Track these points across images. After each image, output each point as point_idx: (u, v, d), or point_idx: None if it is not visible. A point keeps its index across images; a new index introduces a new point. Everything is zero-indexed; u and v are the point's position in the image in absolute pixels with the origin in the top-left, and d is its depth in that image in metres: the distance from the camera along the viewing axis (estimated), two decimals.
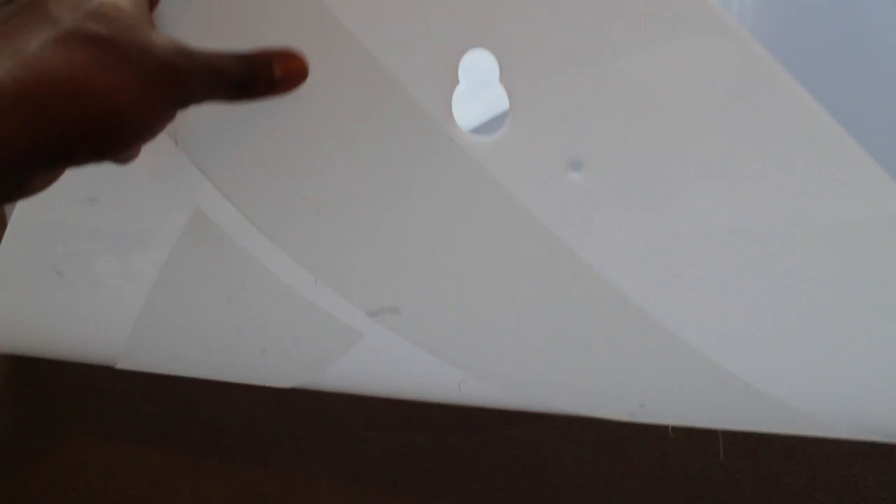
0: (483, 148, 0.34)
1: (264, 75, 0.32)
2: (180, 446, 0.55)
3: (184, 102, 0.29)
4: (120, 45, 0.27)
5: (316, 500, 0.53)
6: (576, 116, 0.33)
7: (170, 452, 0.55)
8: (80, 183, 0.37)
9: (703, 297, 0.35)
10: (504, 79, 0.34)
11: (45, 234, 0.42)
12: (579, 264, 0.35)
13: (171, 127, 0.31)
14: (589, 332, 0.36)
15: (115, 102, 0.26)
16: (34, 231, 0.42)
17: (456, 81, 0.34)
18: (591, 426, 0.53)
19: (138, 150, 0.34)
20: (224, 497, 0.54)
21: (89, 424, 0.57)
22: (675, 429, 0.51)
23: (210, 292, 0.40)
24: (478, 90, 0.35)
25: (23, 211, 0.41)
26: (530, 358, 0.37)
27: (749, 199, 0.32)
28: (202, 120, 0.35)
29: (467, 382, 0.39)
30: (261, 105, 0.33)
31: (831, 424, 0.37)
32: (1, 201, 0.28)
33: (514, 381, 0.39)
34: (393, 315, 0.37)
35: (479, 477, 0.52)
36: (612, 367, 0.37)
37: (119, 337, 0.45)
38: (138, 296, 0.42)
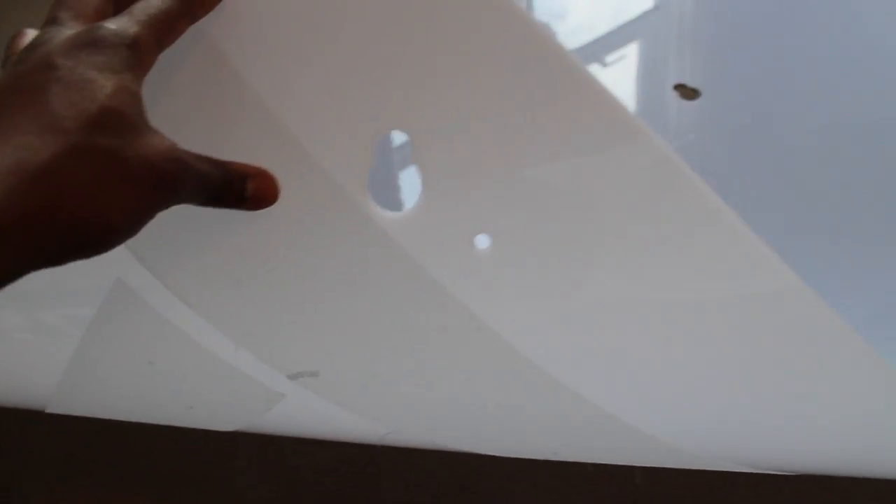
0: (395, 222, 0.36)
1: (237, 189, 0.31)
2: (113, 480, 0.56)
3: (168, 206, 0.29)
4: (123, 160, 0.26)
5: None
6: (484, 191, 0.35)
7: (104, 486, 0.56)
8: None
9: (600, 359, 0.37)
10: (416, 156, 0.35)
11: None
12: (487, 332, 0.36)
13: None
14: (498, 393, 0.38)
15: (113, 218, 0.26)
16: None
17: (371, 159, 0.35)
18: None
19: None
20: None
21: (22, 464, 0.57)
22: None
23: (132, 355, 0.40)
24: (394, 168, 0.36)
25: None
26: (445, 417, 0.39)
27: (643, 275, 0.34)
28: None
29: (389, 434, 0.40)
30: None
31: (715, 461, 0.40)
32: None
33: (433, 435, 0.41)
34: (313, 378, 0.39)
35: (410, 485, 0.54)
36: (523, 423, 0.39)
37: (49, 384, 0.45)
38: (67, 346, 0.43)
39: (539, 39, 0.32)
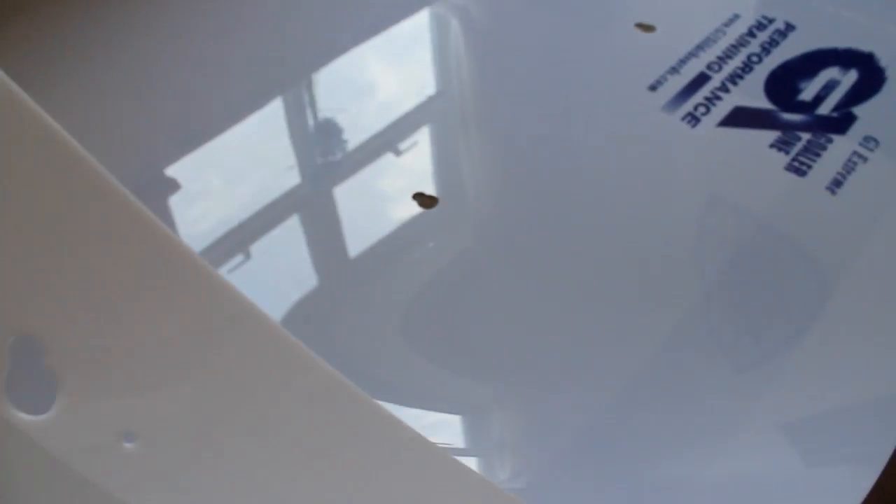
0: (37, 426, 0.35)
1: None
2: None
3: None
4: None
5: None
6: (124, 391, 0.35)
7: None
8: None
9: None
10: (51, 360, 0.35)
11: None
12: None
13: None
14: None
15: None
16: None
17: (4, 365, 0.35)
18: None
19: None
20: None
21: None
22: None
23: None
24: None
25: None
26: None
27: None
28: None
29: None
30: None
31: None
32: None
33: None
34: None
35: None
36: None
37: None
38: None
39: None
